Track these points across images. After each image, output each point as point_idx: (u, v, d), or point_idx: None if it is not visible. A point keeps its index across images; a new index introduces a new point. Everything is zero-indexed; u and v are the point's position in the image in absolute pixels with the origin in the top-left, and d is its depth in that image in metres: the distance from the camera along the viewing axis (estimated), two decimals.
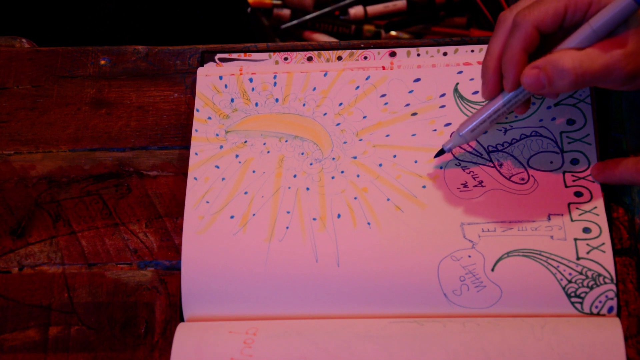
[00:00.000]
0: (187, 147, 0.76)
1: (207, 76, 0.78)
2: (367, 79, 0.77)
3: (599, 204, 0.70)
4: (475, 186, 0.72)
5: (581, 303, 0.68)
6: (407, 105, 0.76)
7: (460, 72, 0.76)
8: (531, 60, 0.65)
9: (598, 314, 0.67)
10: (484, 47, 0.77)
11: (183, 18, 1.05)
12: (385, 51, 0.78)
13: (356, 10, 1.46)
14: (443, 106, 0.75)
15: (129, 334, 0.71)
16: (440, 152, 0.72)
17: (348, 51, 0.79)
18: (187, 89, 0.79)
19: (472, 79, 0.76)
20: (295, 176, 0.74)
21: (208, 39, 0.86)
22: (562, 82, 0.64)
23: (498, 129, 0.74)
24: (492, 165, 0.73)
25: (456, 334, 0.66)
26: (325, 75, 0.77)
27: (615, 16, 0.63)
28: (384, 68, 0.77)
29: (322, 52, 0.79)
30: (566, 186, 0.71)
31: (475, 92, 0.75)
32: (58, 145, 0.78)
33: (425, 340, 0.66)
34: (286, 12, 1.46)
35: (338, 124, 0.76)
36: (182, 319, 0.72)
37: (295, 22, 1.46)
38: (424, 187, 0.73)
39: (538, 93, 0.65)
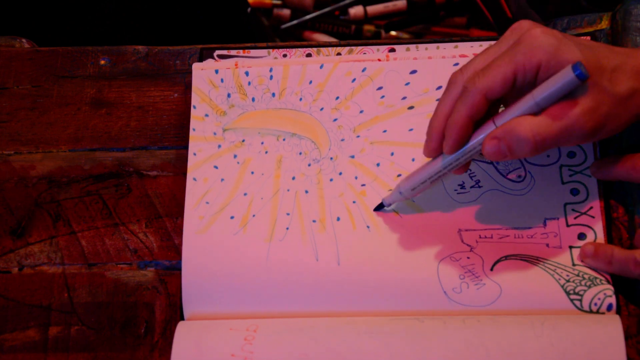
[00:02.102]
0: (187, 147, 0.76)
1: (203, 70, 0.78)
2: (363, 70, 0.77)
3: (595, 204, 0.71)
4: (472, 187, 0.72)
5: (580, 300, 0.68)
6: (404, 98, 0.76)
7: (456, 64, 0.76)
8: (478, 122, 0.65)
9: (597, 312, 0.67)
10: (484, 43, 0.77)
11: (183, 18, 1.05)
12: (384, 48, 0.78)
13: (356, 10, 1.46)
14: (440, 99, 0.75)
15: (129, 334, 0.72)
16: (380, 206, 0.72)
17: (347, 48, 0.79)
18: (187, 89, 0.79)
19: None
20: (294, 178, 0.74)
21: (208, 39, 0.86)
22: (522, 150, 0.63)
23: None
24: (489, 161, 0.73)
25: (456, 331, 0.66)
26: (321, 67, 0.77)
27: (558, 90, 0.62)
28: (379, 60, 0.77)
29: (322, 49, 0.79)
30: (563, 182, 0.72)
31: None
32: (58, 145, 0.78)
33: (425, 336, 0.66)
34: (286, 12, 1.46)
35: (335, 120, 0.76)
36: (182, 319, 0.72)
37: (295, 22, 1.46)
38: None
39: (500, 161, 0.65)
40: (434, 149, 0.68)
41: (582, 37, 0.68)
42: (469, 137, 0.66)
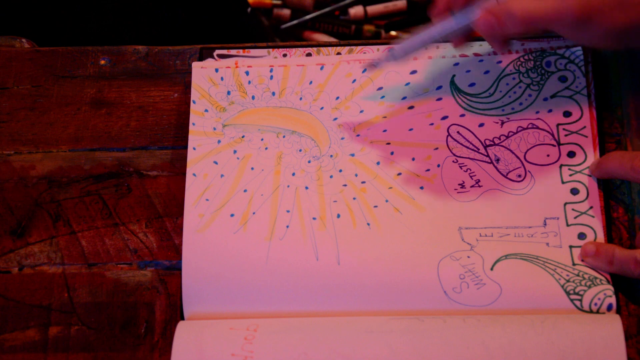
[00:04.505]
0: (187, 147, 0.76)
1: (203, 68, 0.78)
2: (363, 71, 0.77)
3: (595, 203, 0.71)
4: (472, 186, 0.72)
5: (580, 300, 0.68)
6: (404, 98, 0.76)
7: (456, 64, 0.76)
8: None
9: (597, 312, 0.67)
10: (484, 43, 0.77)
11: (183, 18, 1.05)
12: (384, 48, 0.78)
13: (356, 10, 1.46)
14: (440, 99, 0.75)
15: (129, 334, 0.72)
16: (371, 66, 0.75)
17: (347, 48, 0.79)
18: (187, 89, 0.79)
19: (468, 71, 0.76)
20: (294, 174, 0.74)
21: (208, 39, 0.86)
22: (510, 23, 0.66)
23: (495, 122, 0.74)
24: (489, 160, 0.73)
25: (456, 329, 0.66)
26: (321, 68, 0.77)
27: None
28: None
29: (322, 48, 0.79)
30: (563, 182, 0.72)
31: (472, 85, 0.75)
32: (58, 145, 0.78)
33: (425, 335, 0.66)
34: (286, 12, 1.46)
35: (335, 119, 0.76)
36: (182, 319, 0.72)
37: (295, 22, 1.46)
38: (421, 188, 0.73)
39: (490, 34, 0.68)
40: (441, 10, 0.71)
41: None
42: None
